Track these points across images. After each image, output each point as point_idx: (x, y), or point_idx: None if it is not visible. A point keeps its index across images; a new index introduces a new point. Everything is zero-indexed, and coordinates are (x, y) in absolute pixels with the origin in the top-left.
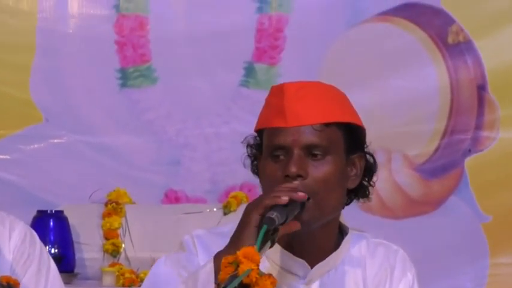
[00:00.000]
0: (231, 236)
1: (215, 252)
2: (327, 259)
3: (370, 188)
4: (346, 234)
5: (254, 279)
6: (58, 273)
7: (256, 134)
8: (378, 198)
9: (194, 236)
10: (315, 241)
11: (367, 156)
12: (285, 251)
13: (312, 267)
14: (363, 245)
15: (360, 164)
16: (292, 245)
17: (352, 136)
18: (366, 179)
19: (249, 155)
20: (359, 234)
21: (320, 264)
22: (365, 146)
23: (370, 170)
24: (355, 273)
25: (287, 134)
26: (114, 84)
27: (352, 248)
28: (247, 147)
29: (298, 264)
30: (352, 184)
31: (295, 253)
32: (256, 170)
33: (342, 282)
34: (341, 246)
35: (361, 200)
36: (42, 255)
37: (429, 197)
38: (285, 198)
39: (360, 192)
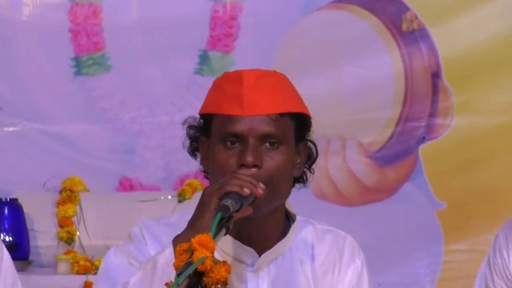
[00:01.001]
0: (177, 226)
1: (164, 241)
2: (275, 247)
3: (309, 174)
4: (294, 221)
5: (209, 267)
6: (11, 261)
7: (198, 116)
8: (333, 186)
9: (142, 226)
10: (263, 229)
11: (309, 143)
12: (234, 240)
13: (260, 255)
14: (310, 232)
15: (304, 152)
16: (240, 234)
17: (301, 125)
18: (307, 166)
19: (188, 136)
20: (306, 221)
21: (268, 252)
22: (308, 134)
23: (311, 157)
24: (303, 260)
25: (243, 123)
26: (68, 72)
27: (300, 234)
28: (187, 128)
29: (247, 252)
30: (297, 172)
31: (243, 241)
32: (193, 151)
33: (290, 269)
34: (288, 233)
35: (297, 185)
36: None
37: (383, 184)
38: (247, 191)
39: (300, 179)
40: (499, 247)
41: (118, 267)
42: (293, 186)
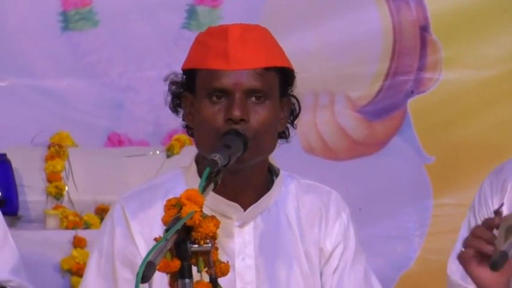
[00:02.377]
0: (163, 187)
1: (146, 213)
2: (259, 201)
3: (291, 130)
4: (277, 175)
5: (197, 221)
6: (1, 215)
7: (180, 72)
8: (321, 140)
9: (124, 204)
10: (247, 183)
11: (292, 99)
12: (218, 196)
13: (245, 210)
14: (294, 186)
15: (287, 107)
16: (225, 190)
17: (285, 80)
18: (290, 121)
19: (171, 92)
20: (289, 176)
21: (253, 206)
22: (290, 89)
23: (293, 112)
24: (288, 214)
25: (229, 77)
26: (55, 28)
27: (284, 188)
28: (170, 84)
29: (232, 207)
30: (281, 127)
31: (229, 197)
32: (175, 108)
33: (276, 222)
34: (273, 187)
35: (279, 141)
36: None
37: (372, 138)
38: None
39: (284, 134)
40: (483, 194)
41: None
42: (276, 141)
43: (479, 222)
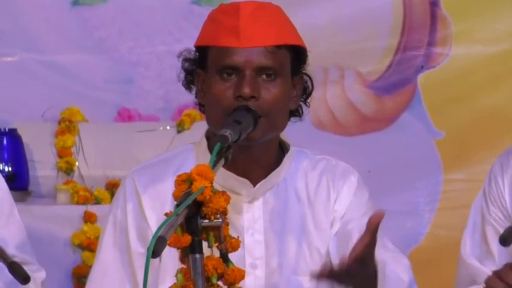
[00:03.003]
0: (173, 163)
1: (157, 188)
2: (269, 176)
3: (304, 107)
4: (288, 151)
5: (208, 197)
6: (7, 189)
7: (193, 49)
8: (331, 115)
9: (134, 177)
10: (257, 159)
11: (305, 77)
12: (228, 172)
13: (254, 186)
14: (304, 161)
15: (300, 85)
16: (235, 166)
17: (297, 58)
18: (302, 100)
19: (184, 69)
20: (300, 151)
21: (262, 182)
22: (303, 67)
23: (306, 90)
24: (297, 189)
25: (240, 54)
26: (65, 2)
27: (294, 164)
28: (183, 61)
29: (241, 183)
30: (293, 105)
31: (238, 173)
32: (188, 84)
33: (285, 198)
34: (282, 163)
35: (292, 119)
36: None
37: (382, 113)
38: None
39: (297, 112)
40: (494, 175)
41: (111, 266)
42: (289, 119)
43: (490, 203)
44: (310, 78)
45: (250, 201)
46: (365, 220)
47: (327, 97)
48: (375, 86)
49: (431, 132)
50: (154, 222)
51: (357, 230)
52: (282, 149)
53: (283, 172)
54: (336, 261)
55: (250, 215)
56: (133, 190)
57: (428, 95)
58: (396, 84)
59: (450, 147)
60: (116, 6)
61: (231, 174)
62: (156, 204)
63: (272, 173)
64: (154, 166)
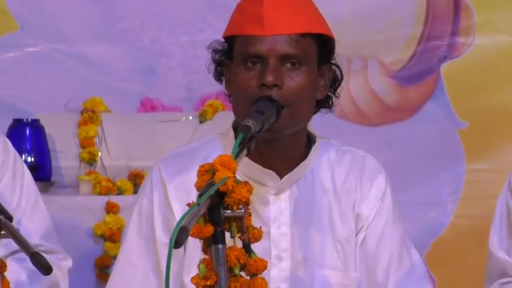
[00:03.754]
0: (201, 153)
1: (183, 178)
2: (296, 169)
3: (334, 99)
4: (314, 142)
5: (230, 187)
6: (32, 179)
7: (223, 40)
8: (354, 105)
9: (161, 167)
10: (284, 151)
11: (334, 67)
12: (255, 164)
13: (281, 178)
14: (331, 153)
15: (328, 75)
16: (262, 157)
17: (324, 47)
18: (332, 90)
19: (213, 60)
20: (327, 142)
21: (289, 174)
22: (333, 57)
23: (336, 81)
24: (324, 181)
25: (263, 43)
26: None
27: (321, 156)
28: (212, 52)
29: (268, 175)
30: (320, 95)
31: (265, 165)
32: (219, 76)
33: (311, 190)
34: (309, 155)
35: (323, 110)
36: (16, 162)
37: (405, 103)
38: None
39: (325, 102)
40: None
41: (136, 255)
42: (318, 110)
43: None
44: (339, 68)
45: (277, 193)
46: (393, 233)
47: (350, 87)
48: (398, 76)
49: (454, 122)
50: (179, 212)
51: (384, 252)
52: (309, 140)
53: (310, 164)
54: (361, 275)
55: (277, 207)
56: (159, 180)
57: (452, 85)
58: (419, 74)
59: (473, 137)
60: None
61: (258, 166)
62: (182, 195)
63: (299, 166)
64: (181, 156)
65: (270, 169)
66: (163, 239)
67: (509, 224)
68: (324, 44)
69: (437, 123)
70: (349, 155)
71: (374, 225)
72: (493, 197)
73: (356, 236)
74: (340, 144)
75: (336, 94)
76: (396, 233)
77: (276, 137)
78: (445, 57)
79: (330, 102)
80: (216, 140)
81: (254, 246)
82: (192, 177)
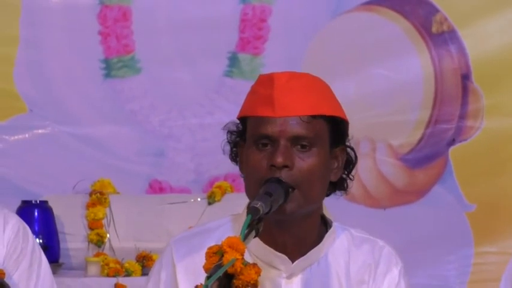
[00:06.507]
0: (214, 234)
1: (194, 259)
2: (309, 254)
3: (349, 181)
4: (330, 227)
5: (239, 269)
6: (49, 267)
7: (238, 121)
8: (363, 188)
9: (173, 247)
10: (296, 234)
11: (348, 149)
12: (267, 246)
13: (293, 262)
14: (347, 239)
15: (341, 157)
16: (274, 240)
17: (336, 129)
18: (346, 172)
19: (229, 142)
20: (343, 228)
21: (301, 259)
22: (347, 139)
23: (350, 163)
24: (338, 267)
25: (274, 124)
26: (98, 75)
27: (336, 241)
28: (227, 133)
29: (279, 258)
30: (334, 177)
31: (277, 247)
32: (234, 157)
33: (325, 276)
34: (324, 240)
35: (338, 193)
36: (35, 250)
37: (413, 186)
38: None
39: (339, 185)
40: None
41: None
42: (332, 192)
43: None
44: (353, 149)
45: (289, 277)
46: None
47: (358, 169)
48: (407, 159)
49: (462, 205)
50: None
51: None
52: (324, 225)
53: (324, 250)
54: None
55: None
56: (169, 260)
57: (460, 167)
58: (428, 157)
59: (481, 220)
60: (147, 78)
61: (270, 248)
62: (191, 276)
63: (312, 250)
64: (194, 236)
65: (283, 252)
66: None
67: None
68: (336, 126)
69: (445, 205)
70: (367, 244)
71: None
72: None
73: None
74: (358, 231)
75: (351, 176)
76: None
77: (285, 218)
78: (453, 140)
79: (345, 185)
80: (229, 221)
81: None
82: (202, 258)
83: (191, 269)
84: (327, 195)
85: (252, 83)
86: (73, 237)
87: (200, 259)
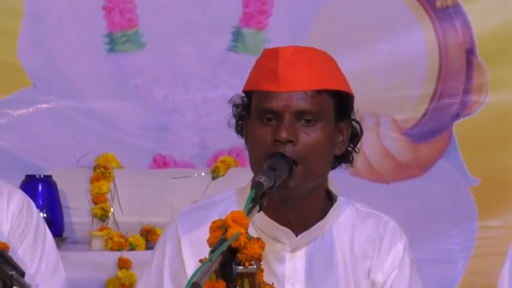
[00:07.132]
0: (219, 207)
1: (198, 232)
2: (313, 228)
3: (354, 154)
4: (335, 201)
5: (243, 243)
6: (54, 242)
7: (243, 95)
8: (367, 163)
9: (177, 220)
10: (300, 209)
11: (353, 123)
12: (271, 220)
13: (297, 236)
14: (351, 213)
15: (347, 131)
16: (278, 214)
17: (341, 103)
18: (351, 146)
19: (234, 115)
20: (347, 202)
21: (305, 233)
22: (352, 113)
23: (355, 137)
24: (342, 242)
25: (279, 99)
26: (101, 49)
27: (340, 216)
28: (233, 106)
29: (283, 232)
30: (339, 151)
31: (282, 222)
32: (240, 130)
33: (329, 250)
34: (328, 214)
35: (344, 165)
36: (39, 225)
37: (417, 161)
38: None
39: (345, 158)
40: None
41: None
42: (338, 165)
43: None
44: (358, 123)
45: (293, 251)
46: None
47: (362, 144)
48: (411, 134)
49: (466, 179)
50: (191, 267)
51: None
52: (330, 198)
53: (328, 224)
54: None
55: (292, 265)
56: (174, 234)
57: (464, 142)
58: (432, 131)
59: (485, 194)
60: (152, 53)
61: (274, 223)
62: (195, 250)
63: (316, 225)
64: (199, 210)
65: (287, 226)
66: None
67: None
68: (341, 100)
69: (449, 180)
70: (372, 219)
71: None
72: (505, 254)
73: None
74: (363, 206)
75: (356, 149)
76: None
77: (289, 194)
78: (458, 115)
79: (350, 158)
80: (234, 195)
81: None
82: (207, 232)
83: (196, 242)
84: (332, 168)
85: (256, 57)
86: (77, 212)
87: (205, 232)
